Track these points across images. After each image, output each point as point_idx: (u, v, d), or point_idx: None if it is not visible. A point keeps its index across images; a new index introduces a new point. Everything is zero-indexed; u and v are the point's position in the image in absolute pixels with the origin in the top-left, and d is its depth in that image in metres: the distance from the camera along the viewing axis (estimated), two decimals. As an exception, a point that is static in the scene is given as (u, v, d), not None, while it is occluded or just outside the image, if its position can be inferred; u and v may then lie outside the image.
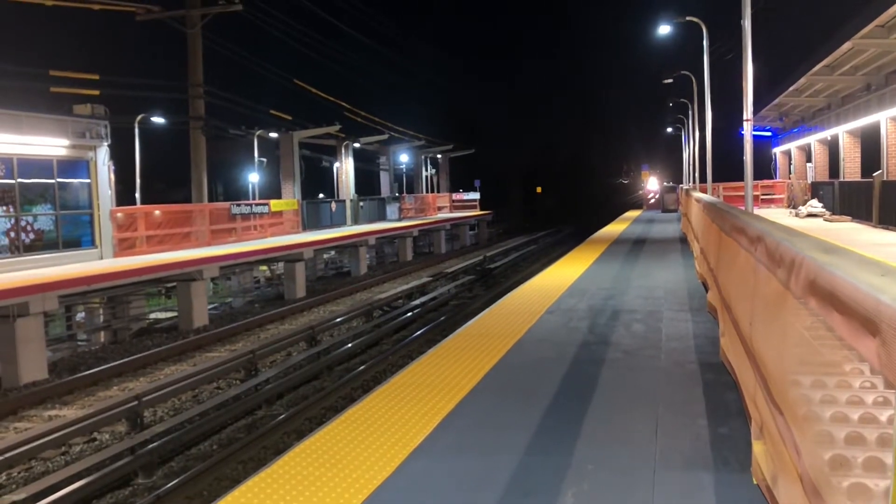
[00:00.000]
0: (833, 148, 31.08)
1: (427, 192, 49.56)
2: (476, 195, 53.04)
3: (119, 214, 19.94)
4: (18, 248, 16.89)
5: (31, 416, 11.74)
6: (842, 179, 27.10)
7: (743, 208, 13.41)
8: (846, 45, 19.63)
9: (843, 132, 27.98)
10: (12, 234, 16.81)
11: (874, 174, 20.77)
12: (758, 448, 4.06)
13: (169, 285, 20.24)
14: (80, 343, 17.76)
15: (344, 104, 36.05)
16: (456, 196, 52.62)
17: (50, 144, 17.69)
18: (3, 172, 16.63)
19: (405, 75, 62.39)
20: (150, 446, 9.29)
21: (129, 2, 24.49)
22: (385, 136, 41.14)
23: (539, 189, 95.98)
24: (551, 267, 16.97)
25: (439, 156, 51.92)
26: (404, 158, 48.63)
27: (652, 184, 79.95)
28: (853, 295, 2.07)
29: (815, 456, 2.52)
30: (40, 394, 12.62)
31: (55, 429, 9.68)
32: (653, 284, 13.16)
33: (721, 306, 7.43)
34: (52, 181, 17.92)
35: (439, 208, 48.06)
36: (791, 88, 28.52)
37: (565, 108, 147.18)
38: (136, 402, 10.73)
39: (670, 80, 42.03)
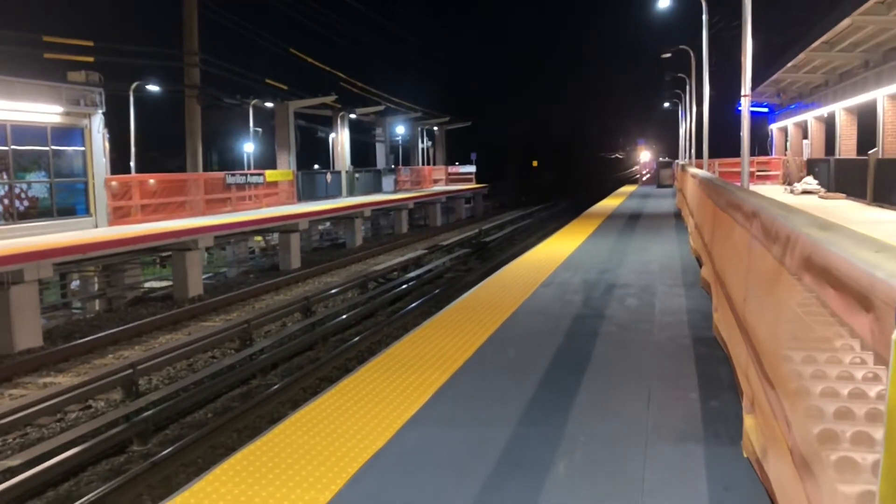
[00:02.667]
0: (829, 125, 31.03)
1: (423, 164, 49.38)
2: (472, 168, 52.88)
3: (114, 183, 19.85)
4: (13, 215, 16.83)
5: (26, 384, 11.78)
6: (837, 157, 27.08)
7: (739, 184, 13.41)
8: (845, 22, 19.50)
9: (840, 109, 27.91)
10: (6, 202, 16.74)
11: (869, 152, 20.77)
12: (749, 422, 4.11)
13: (164, 254, 20.23)
14: (74, 311, 17.78)
15: (340, 74, 35.77)
16: (452, 169, 52.44)
17: (44, 111, 17.55)
18: (-4, 139, 16.52)
19: (402, 47, 61.89)
20: (145, 414, 9.35)
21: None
22: (381, 108, 40.88)
23: (535, 163, 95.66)
24: (547, 241, 16.99)
25: (436, 128, 51.65)
26: (400, 130, 48.38)
27: (644, 156, 79.60)
28: (848, 271, 2.08)
29: (804, 430, 2.55)
30: (35, 361, 12.65)
31: (50, 396, 9.74)
32: (647, 259, 13.19)
33: (715, 281, 7.46)
34: (47, 148, 17.81)
35: (435, 181, 47.94)
36: (789, 64, 28.37)
37: (562, 81, 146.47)
38: (130, 371, 10.78)
39: (668, 55, 41.82)
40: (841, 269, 2.15)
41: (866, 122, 26.19)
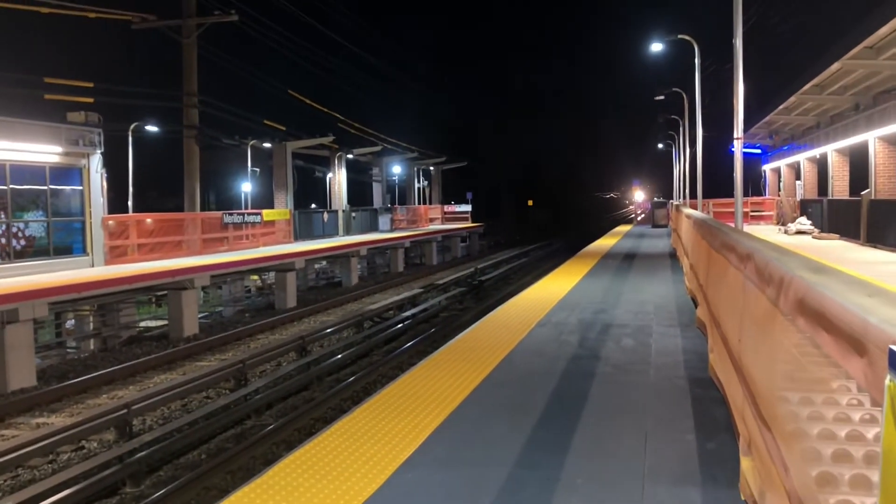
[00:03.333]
0: (822, 166, 31.31)
1: (419, 203, 49.62)
2: (468, 207, 53.13)
3: (111, 222, 19.88)
4: (9, 254, 16.82)
5: (19, 424, 11.68)
6: (830, 197, 27.29)
7: (732, 225, 13.50)
8: (835, 66, 19.83)
9: (832, 151, 28.20)
10: (3, 241, 16.73)
11: (862, 193, 20.95)
12: (746, 464, 4.10)
13: (159, 294, 20.18)
14: (69, 350, 17.67)
15: (338, 115, 36.17)
16: (448, 208, 52.70)
17: (43, 151, 17.65)
18: (-6, 178, 16.58)
19: (399, 88, 62.60)
20: (139, 455, 9.26)
21: (124, 11, 24.55)
22: (378, 148, 41.26)
23: (531, 202, 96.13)
24: (542, 280, 17.01)
25: (432, 168, 52.03)
26: (397, 170, 48.73)
27: (639, 196, 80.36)
28: (841, 315, 2.10)
29: (802, 472, 2.56)
30: (28, 401, 12.55)
31: (43, 437, 9.64)
32: (643, 299, 13.22)
33: (710, 322, 7.48)
34: (45, 188, 17.87)
35: (431, 220, 48.11)
36: (781, 107, 28.75)
37: (558, 122, 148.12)
38: (125, 411, 10.69)
39: (662, 97, 42.36)
40: (834, 312, 2.17)
41: (858, 163, 26.44)
